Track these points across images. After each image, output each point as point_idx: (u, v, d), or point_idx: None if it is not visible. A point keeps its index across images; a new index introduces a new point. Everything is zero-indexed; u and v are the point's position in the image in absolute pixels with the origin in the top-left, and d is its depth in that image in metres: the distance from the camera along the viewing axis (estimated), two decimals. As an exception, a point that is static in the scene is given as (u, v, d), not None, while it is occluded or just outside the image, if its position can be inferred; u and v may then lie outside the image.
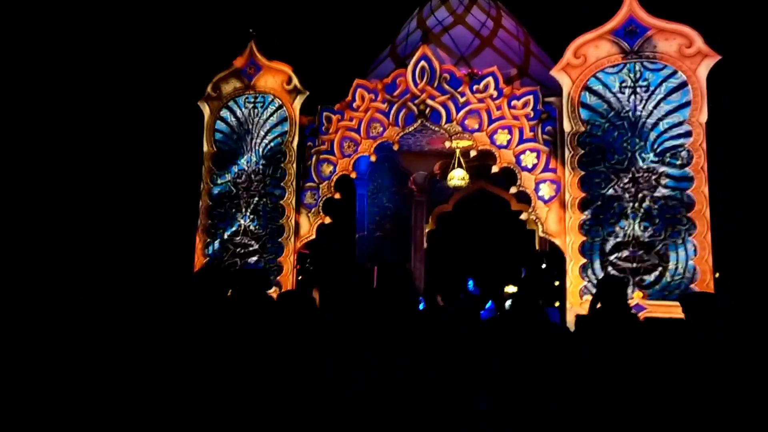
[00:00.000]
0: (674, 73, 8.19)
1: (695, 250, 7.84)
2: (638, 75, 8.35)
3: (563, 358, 3.09)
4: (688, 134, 8.04)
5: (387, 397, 2.50)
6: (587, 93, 8.54)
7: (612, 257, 8.18)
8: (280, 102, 9.99)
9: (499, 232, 13.27)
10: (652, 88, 8.27)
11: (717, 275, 8.09)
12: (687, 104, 8.08)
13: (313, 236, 9.80)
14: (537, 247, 12.22)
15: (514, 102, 8.92)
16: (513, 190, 9.02)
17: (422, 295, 10.75)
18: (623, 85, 8.40)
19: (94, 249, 12.87)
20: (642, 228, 8.09)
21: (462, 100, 9.11)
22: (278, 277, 9.63)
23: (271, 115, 10.03)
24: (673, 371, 3.20)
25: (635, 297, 7.89)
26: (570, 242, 8.40)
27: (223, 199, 10.06)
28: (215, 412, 2.70)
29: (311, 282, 10.50)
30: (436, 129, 9.36)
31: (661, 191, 8.07)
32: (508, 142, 8.88)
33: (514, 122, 8.89)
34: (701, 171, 7.93)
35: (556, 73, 8.75)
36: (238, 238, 9.93)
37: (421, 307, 8.37)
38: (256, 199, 9.92)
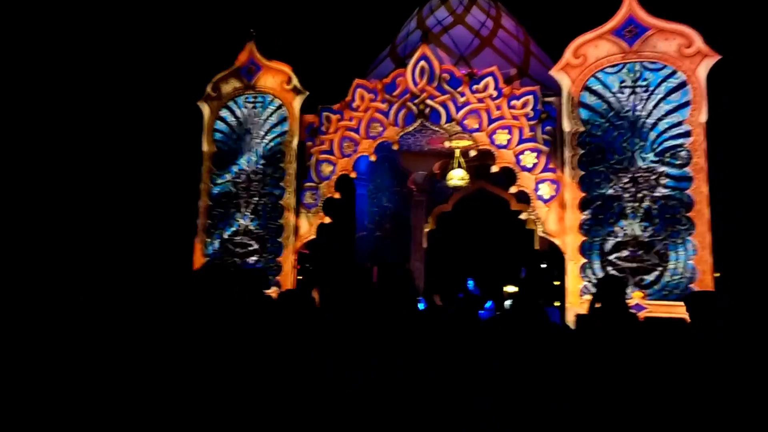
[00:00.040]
0: (674, 72, 8.20)
1: (695, 250, 7.84)
2: (638, 75, 8.35)
3: (563, 358, 3.09)
4: (687, 134, 8.04)
5: (387, 397, 2.50)
6: (587, 93, 8.54)
7: (612, 257, 8.19)
8: (280, 102, 9.99)
9: (498, 231, 13.27)
10: (651, 88, 8.27)
11: (717, 275, 8.09)
12: (687, 104, 8.08)
13: (313, 236, 9.80)
14: (536, 247, 12.22)
15: (513, 102, 8.92)
16: (513, 189, 9.02)
17: (422, 295, 10.77)
18: (623, 85, 8.40)
19: (94, 249, 12.86)
20: (642, 228, 8.10)
21: (462, 100, 9.11)
22: (278, 277, 9.63)
23: (271, 114, 10.03)
24: (672, 371, 3.20)
25: (635, 297, 7.90)
26: (569, 242, 8.40)
27: (222, 199, 10.06)
28: (215, 412, 2.70)
29: (311, 282, 10.50)
30: (436, 129, 9.36)
31: (660, 191, 8.07)
32: (508, 141, 8.88)
33: (513, 122, 8.89)
34: (701, 171, 7.93)
35: (555, 73, 8.75)
36: (237, 238, 9.93)
37: (421, 307, 8.38)
38: (256, 198, 9.93)
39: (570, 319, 7.95)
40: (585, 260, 8.28)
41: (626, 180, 8.23)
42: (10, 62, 13.46)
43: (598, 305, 4.47)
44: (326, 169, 9.76)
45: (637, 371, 3.17)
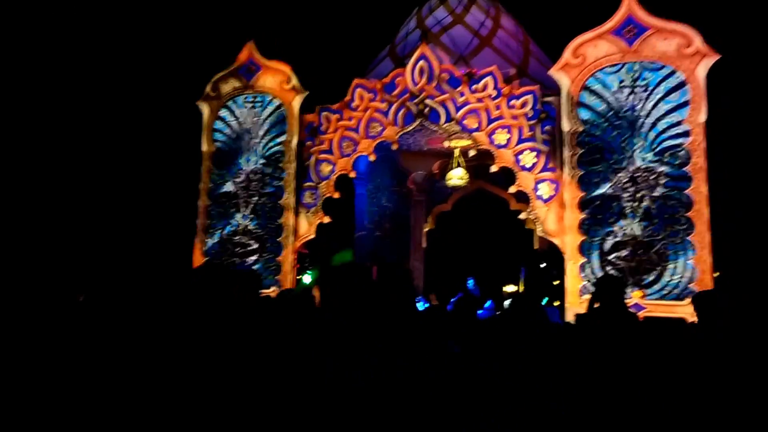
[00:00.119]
0: (673, 72, 8.20)
1: (694, 250, 7.85)
2: (637, 75, 8.35)
3: (563, 358, 3.09)
4: (686, 134, 8.04)
5: (387, 397, 2.50)
6: (586, 92, 8.54)
7: (611, 257, 8.19)
8: (280, 102, 9.99)
9: (498, 231, 13.27)
10: (650, 88, 8.27)
11: (717, 275, 8.10)
12: (686, 104, 8.08)
13: (313, 236, 9.80)
14: (536, 247, 12.22)
15: (513, 101, 8.93)
16: (512, 189, 9.03)
17: (421, 294, 10.78)
18: (622, 84, 8.40)
19: (94, 248, 12.86)
20: (641, 227, 8.10)
21: (461, 99, 9.12)
22: (277, 277, 9.64)
23: (270, 114, 10.03)
24: (672, 371, 3.21)
25: (634, 296, 7.90)
26: (569, 242, 8.40)
27: (222, 199, 10.06)
28: (215, 411, 2.70)
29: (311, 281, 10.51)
30: (435, 128, 9.37)
31: (659, 191, 8.07)
32: (507, 141, 8.88)
33: (513, 122, 8.89)
34: (700, 171, 7.93)
35: (555, 72, 8.76)
36: (237, 238, 9.93)
37: (421, 307, 8.38)
38: (255, 198, 9.93)
39: (570, 319, 7.96)
40: (584, 260, 8.29)
41: (625, 180, 8.23)
42: (10, 62, 13.45)
43: (597, 305, 4.47)
44: (325, 168, 9.76)
45: (637, 371, 3.17)
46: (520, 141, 8.85)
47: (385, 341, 2.68)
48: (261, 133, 10.03)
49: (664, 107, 8.18)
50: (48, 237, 13.02)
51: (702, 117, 8.01)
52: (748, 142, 12.10)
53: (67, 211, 13.53)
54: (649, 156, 8.17)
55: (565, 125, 8.55)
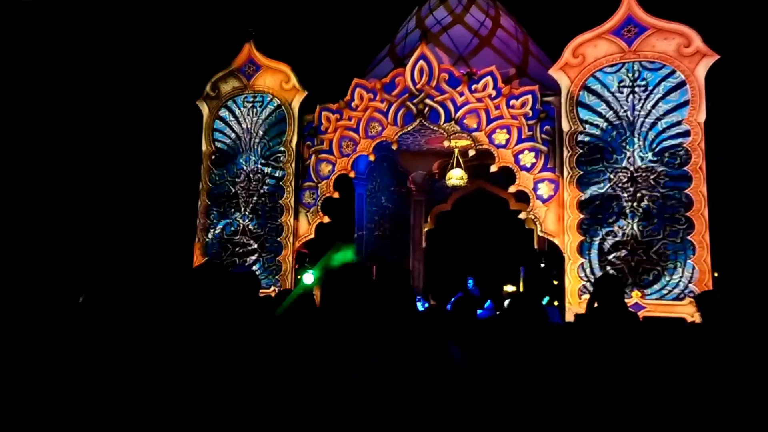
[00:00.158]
0: (673, 72, 8.20)
1: (693, 250, 7.85)
2: (637, 74, 8.36)
3: (563, 358, 3.09)
4: (686, 134, 8.05)
5: (387, 397, 2.51)
6: (586, 92, 8.55)
7: (610, 256, 8.20)
8: (279, 101, 9.99)
9: (497, 231, 13.28)
10: (650, 88, 8.28)
11: (716, 274, 8.10)
12: (685, 104, 8.09)
13: (312, 235, 9.81)
14: (536, 247, 12.23)
15: (512, 101, 8.93)
16: (511, 189, 9.03)
17: (421, 294, 10.78)
18: (622, 84, 8.41)
19: (93, 248, 12.86)
20: (640, 227, 8.11)
21: (460, 99, 9.12)
22: (277, 276, 9.64)
23: (270, 114, 10.03)
24: (672, 370, 3.21)
25: (634, 296, 7.91)
26: (568, 241, 8.41)
27: (222, 199, 10.06)
28: (214, 412, 2.70)
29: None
30: (435, 128, 9.37)
31: (659, 191, 8.08)
32: (507, 141, 8.89)
33: (512, 122, 8.90)
34: (699, 171, 7.94)
35: (554, 72, 8.76)
36: (237, 238, 9.94)
37: (420, 306, 8.39)
38: (255, 198, 9.93)
39: (569, 319, 7.96)
40: (584, 260, 8.29)
41: (625, 179, 8.24)
42: (10, 62, 13.45)
43: (596, 305, 4.47)
44: (325, 168, 9.77)
45: (637, 371, 3.18)
46: (520, 141, 8.85)
47: (385, 341, 2.68)
48: (261, 132, 10.03)
49: (663, 107, 8.18)
50: (48, 237, 13.02)
51: (701, 117, 8.02)
52: (748, 141, 12.10)
53: (67, 211, 13.52)
54: (649, 156, 8.18)
55: (565, 125, 8.55)
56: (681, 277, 7.88)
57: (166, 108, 13.39)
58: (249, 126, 10.10)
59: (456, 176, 10.51)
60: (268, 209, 9.86)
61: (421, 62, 9.31)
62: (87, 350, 3.22)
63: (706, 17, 9.25)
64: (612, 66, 8.48)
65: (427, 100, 9.24)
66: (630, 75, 8.38)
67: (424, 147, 11.22)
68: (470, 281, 11.66)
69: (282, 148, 9.87)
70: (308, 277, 10.41)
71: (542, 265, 11.44)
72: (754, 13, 12.05)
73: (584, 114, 8.50)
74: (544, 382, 2.83)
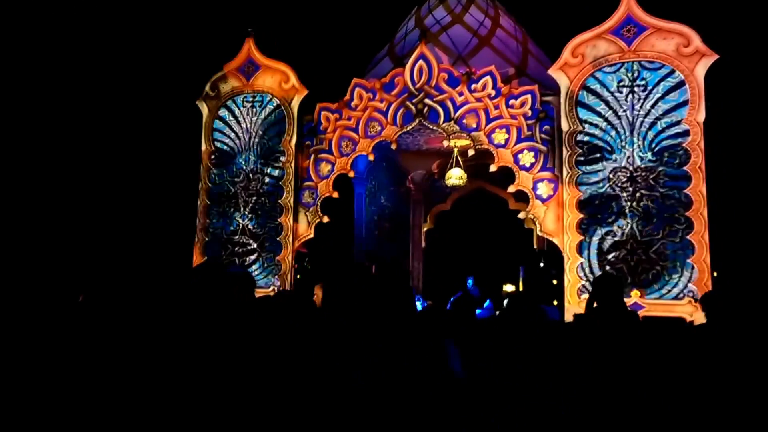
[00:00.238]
0: (672, 72, 8.20)
1: (693, 249, 7.86)
2: (636, 74, 8.36)
3: (563, 358, 3.10)
4: (685, 133, 8.05)
5: (387, 397, 2.51)
6: (585, 92, 8.55)
7: (610, 256, 8.20)
8: (279, 101, 9.99)
9: (497, 231, 13.29)
10: (649, 88, 8.28)
11: (715, 274, 8.11)
12: (685, 103, 8.09)
13: (312, 235, 9.81)
14: (535, 246, 12.24)
15: (512, 101, 8.93)
16: (511, 189, 9.03)
17: (420, 294, 10.78)
18: (621, 84, 8.41)
19: (93, 248, 12.86)
20: (640, 227, 8.11)
21: (460, 99, 9.12)
22: (277, 276, 9.64)
23: (270, 114, 10.03)
24: (672, 370, 3.21)
25: (633, 296, 7.91)
26: (568, 241, 8.41)
27: (221, 199, 10.06)
28: (214, 412, 2.70)
29: (312, 280, 10.50)
30: (434, 128, 9.37)
31: (658, 190, 8.08)
32: (506, 141, 8.89)
33: (512, 121, 8.90)
34: (699, 170, 7.94)
35: (554, 72, 8.76)
36: (236, 237, 9.93)
37: (419, 306, 8.39)
38: (255, 198, 9.93)
39: (569, 319, 7.97)
40: (583, 259, 8.30)
41: (624, 179, 8.24)
42: (9, 61, 13.44)
43: (595, 305, 4.47)
44: (325, 168, 9.77)
45: (637, 370, 3.18)
46: (519, 140, 8.85)
47: (385, 341, 2.68)
48: (260, 132, 10.03)
49: (663, 107, 8.19)
50: (47, 238, 13.01)
51: (701, 116, 8.02)
52: (747, 141, 12.11)
53: (66, 210, 13.52)
54: (648, 155, 8.18)
55: (564, 125, 8.55)
56: (680, 276, 7.88)
57: (165, 108, 13.39)
58: (248, 126, 10.10)
59: (455, 176, 10.51)
60: (267, 209, 9.86)
61: (421, 62, 9.31)
62: (87, 350, 3.22)
63: (706, 17, 9.25)
64: (611, 66, 8.48)
65: (427, 100, 9.24)
66: (629, 75, 8.38)
67: (423, 147, 11.22)
68: (470, 281, 11.67)
69: (281, 148, 9.86)
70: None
71: (541, 265, 11.45)
72: (754, 13, 12.06)
73: (583, 114, 8.51)
74: (543, 382, 2.83)
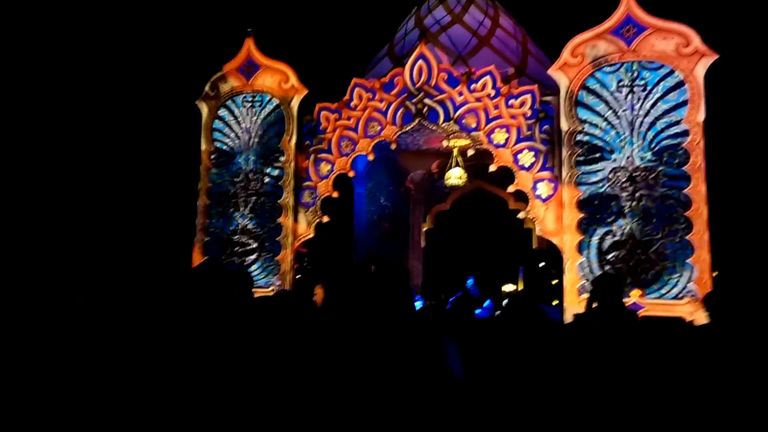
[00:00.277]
0: (672, 72, 8.20)
1: (693, 249, 7.86)
2: (636, 74, 8.36)
3: (563, 357, 3.10)
4: (685, 133, 8.05)
5: (387, 397, 2.51)
6: (585, 92, 8.55)
7: (609, 256, 8.20)
8: (278, 101, 9.99)
9: (496, 230, 13.28)
10: (649, 87, 8.28)
11: (715, 274, 8.11)
12: (684, 103, 8.09)
13: (311, 235, 9.81)
14: (535, 246, 12.23)
15: (511, 101, 8.93)
16: (510, 189, 9.03)
17: (420, 294, 10.76)
18: (621, 84, 8.41)
19: (92, 248, 12.85)
20: (639, 227, 8.11)
21: (459, 99, 9.12)
22: (276, 276, 9.65)
23: (269, 114, 10.03)
24: (672, 370, 3.21)
25: (633, 296, 7.92)
26: (567, 241, 8.41)
27: (221, 198, 10.06)
28: (215, 411, 2.70)
29: (312, 280, 10.51)
30: (434, 128, 9.37)
31: (658, 190, 8.08)
32: (506, 141, 8.89)
33: (511, 121, 8.90)
34: (698, 170, 7.94)
35: (553, 72, 8.76)
36: (236, 237, 9.93)
37: (418, 306, 8.38)
38: (254, 198, 9.93)
39: (568, 319, 7.97)
40: (583, 259, 8.30)
41: (624, 179, 8.24)
42: (9, 61, 13.44)
43: (595, 304, 4.47)
44: (324, 168, 9.77)
45: (637, 370, 3.18)
46: (519, 140, 8.85)
47: (385, 341, 2.68)
48: (260, 132, 10.02)
49: (662, 107, 8.19)
50: (47, 237, 13.01)
51: (701, 116, 8.02)
52: (747, 141, 12.12)
53: (66, 210, 13.52)
54: (648, 155, 8.18)
55: (564, 125, 8.55)
56: (680, 276, 7.88)
57: (165, 108, 13.39)
58: (248, 126, 10.09)
59: (455, 176, 10.51)
60: (267, 209, 9.86)
61: (420, 62, 9.31)
62: (86, 349, 3.22)
63: (706, 17, 9.25)
64: (611, 65, 8.48)
65: (426, 100, 9.24)
66: (629, 74, 8.38)
67: (423, 146, 11.22)
68: (470, 281, 11.66)
69: (281, 148, 9.86)
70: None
71: (541, 265, 11.45)
72: (754, 13, 12.06)
73: (583, 113, 8.51)
74: (543, 382, 2.83)
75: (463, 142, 9.74)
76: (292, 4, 15.54)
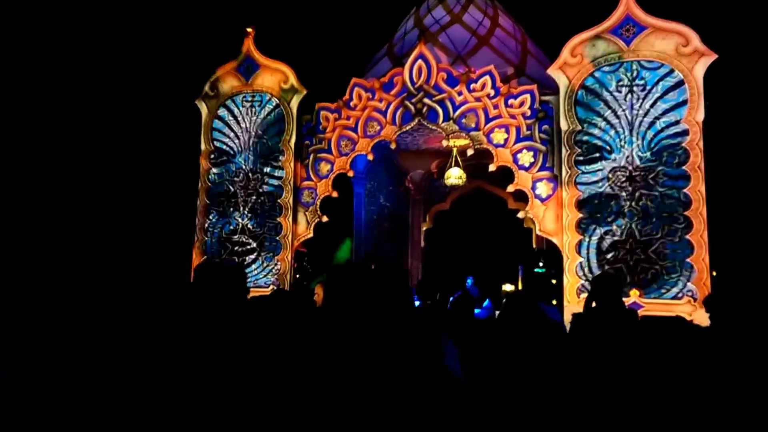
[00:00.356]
0: (671, 71, 8.21)
1: (692, 249, 7.86)
2: (635, 74, 8.36)
3: (562, 357, 3.10)
4: (684, 133, 8.05)
5: (387, 397, 2.51)
6: (584, 92, 8.55)
7: (609, 256, 8.21)
8: (278, 101, 9.99)
9: (496, 230, 13.29)
10: (648, 87, 8.28)
11: (714, 274, 8.12)
12: (684, 103, 8.09)
13: (311, 235, 9.81)
14: (534, 246, 12.24)
15: (511, 101, 8.94)
16: (510, 188, 9.04)
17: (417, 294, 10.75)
18: (620, 83, 8.41)
19: (92, 248, 12.85)
20: (639, 226, 8.11)
21: (459, 98, 9.12)
22: (276, 276, 9.65)
23: (269, 114, 10.03)
24: (671, 369, 3.21)
25: (632, 295, 7.92)
26: (567, 240, 8.42)
27: (220, 198, 10.06)
28: (215, 411, 2.70)
29: (311, 280, 10.53)
30: (433, 128, 9.37)
31: (657, 190, 8.09)
32: (505, 140, 8.90)
33: (511, 121, 8.90)
34: (698, 170, 7.95)
35: (553, 71, 8.76)
36: (235, 237, 9.94)
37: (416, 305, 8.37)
38: (254, 197, 9.93)
39: (568, 318, 7.97)
40: (582, 259, 8.30)
41: (623, 179, 8.24)
42: (10, 61, 13.43)
43: (594, 304, 4.47)
44: (324, 167, 9.77)
45: (637, 370, 3.18)
46: (518, 140, 8.86)
47: (385, 341, 2.68)
48: (259, 132, 10.03)
49: (662, 106, 8.19)
50: (47, 237, 13.00)
51: (700, 116, 8.02)
52: (747, 141, 12.12)
53: (65, 210, 13.51)
54: (647, 155, 8.18)
55: (563, 124, 8.55)
56: (679, 276, 7.89)
57: (164, 107, 13.39)
58: (248, 125, 10.10)
59: (454, 175, 10.52)
60: (266, 208, 9.87)
61: (420, 61, 9.31)
62: (86, 349, 3.22)
63: (705, 17, 9.25)
64: (610, 65, 8.48)
65: (426, 100, 9.24)
66: (628, 74, 8.39)
67: (422, 146, 11.22)
68: (469, 280, 11.67)
69: (281, 148, 9.87)
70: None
71: (540, 264, 11.45)
72: (753, 13, 12.06)
73: (583, 113, 8.51)
74: (543, 382, 2.84)
75: (463, 141, 9.74)
76: (292, 4, 15.54)
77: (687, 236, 7.90)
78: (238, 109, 10.17)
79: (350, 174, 9.81)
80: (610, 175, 8.31)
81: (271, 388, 2.71)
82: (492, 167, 9.07)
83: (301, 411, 2.63)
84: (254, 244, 9.85)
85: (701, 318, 6.28)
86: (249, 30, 10.25)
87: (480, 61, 9.84)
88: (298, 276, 10.18)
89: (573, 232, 8.37)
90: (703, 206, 7.91)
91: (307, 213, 9.79)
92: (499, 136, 8.93)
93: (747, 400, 3.01)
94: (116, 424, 2.79)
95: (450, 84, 9.19)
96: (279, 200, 9.79)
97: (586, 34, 8.63)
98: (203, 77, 10.38)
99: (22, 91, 13.62)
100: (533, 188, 8.73)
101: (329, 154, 9.75)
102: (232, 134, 10.16)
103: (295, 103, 9.91)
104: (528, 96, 8.88)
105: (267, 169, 9.91)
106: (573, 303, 8.18)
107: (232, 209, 10.00)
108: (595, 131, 8.44)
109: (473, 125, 9.05)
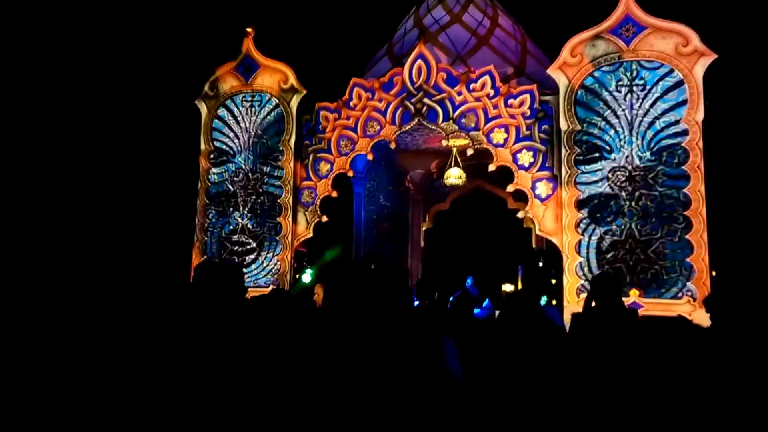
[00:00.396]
0: (671, 71, 8.21)
1: (692, 249, 7.86)
2: (635, 73, 8.36)
3: (562, 357, 3.10)
4: (684, 133, 8.06)
5: (387, 397, 2.51)
6: (584, 91, 8.55)
7: (608, 255, 8.21)
8: (278, 101, 9.99)
9: (496, 230, 13.29)
10: (648, 87, 8.28)
11: (713, 273, 8.12)
12: (683, 103, 8.09)
13: (311, 234, 9.81)
14: (534, 245, 12.24)
15: (510, 101, 8.94)
16: (510, 188, 9.03)
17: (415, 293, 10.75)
18: (620, 83, 8.41)
19: (92, 248, 12.85)
20: (638, 226, 8.11)
21: (458, 98, 9.12)
22: (275, 275, 9.65)
23: (269, 113, 10.03)
24: (671, 369, 3.21)
25: (632, 295, 7.92)
26: (566, 240, 8.42)
27: (220, 198, 10.06)
28: (215, 411, 2.70)
29: (311, 280, 10.52)
30: (433, 127, 9.37)
31: (657, 190, 8.09)
32: (505, 140, 8.90)
33: (510, 121, 8.90)
34: (697, 170, 7.95)
35: (552, 71, 8.76)
36: (235, 237, 9.93)
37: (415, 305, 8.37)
38: (254, 197, 9.93)
39: (567, 318, 7.97)
40: (582, 258, 8.30)
41: (623, 178, 8.25)
42: (10, 61, 13.43)
43: (593, 304, 4.46)
44: (324, 167, 9.77)
45: (637, 370, 3.18)
46: (518, 140, 8.86)
47: (385, 341, 2.68)
48: (259, 132, 10.03)
49: (661, 106, 8.19)
50: (47, 237, 13.00)
51: (699, 116, 8.02)
52: (747, 141, 12.13)
53: (65, 210, 13.51)
54: (647, 155, 8.18)
55: (563, 124, 8.55)
56: (679, 276, 7.89)
57: (164, 107, 13.38)
58: (247, 125, 10.10)
59: (454, 175, 10.51)
60: (266, 208, 9.87)
61: (419, 61, 9.31)
62: (86, 349, 3.22)
63: (705, 16, 9.26)
64: (610, 65, 8.48)
65: (426, 99, 9.24)
66: (628, 74, 8.39)
67: (422, 146, 11.22)
68: (469, 280, 11.67)
69: (280, 148, 9.87)
70: (306, 277, 10.42)
71: (540, 264, 11.46)
72: (753, 13, 12.07)
73: (582, 113, 8.51)
74: (543, 382, 2.83)
75: (462, 141, 9.74)
76: (292, 4, 15.54)
77: (687, 236, 7.90)
78: (238, 109, 10.17)
79: (350, 174, 9.81)
80: (610, 175, 8.31)
81: (271, 388, 2.71)
82: (492, 167, 9.07)
83: (301, 411, 2.63)
84: (254, 244, 9.85)
85: (701, 318, 6.28)
86: (249, 30, 10.24)
87: (480, 61, 9.84)
88: (298, 276, 10.17)
89: (573, 232, 8.37)
90: (703, 206, 7.91)
91: (306, 213, 9.79)
92: (498, 136, 8.93)
93: (747, 400, 3.01)
94: (116, 424, 2.79)
95: (450, 84, 9.19)
96: (279, 200, 9.79)
97: (585, 34, 8.63)
98: (203, 77, 10.38)
99: (22, 91, 13.62)
100: (533, 188, 8.73)
101: (329, 153, 9.75)
102: (231, 134, 10.16)
103: (294, 103, 9.91)
104: (528, 96, 8.88)
105: (267, 169, 9.91)
106: (573, 303, 8.18)
107: (231, 209, 10.00)
108: (595, 131, 8.44)
109: (473, 125, 9.05)
